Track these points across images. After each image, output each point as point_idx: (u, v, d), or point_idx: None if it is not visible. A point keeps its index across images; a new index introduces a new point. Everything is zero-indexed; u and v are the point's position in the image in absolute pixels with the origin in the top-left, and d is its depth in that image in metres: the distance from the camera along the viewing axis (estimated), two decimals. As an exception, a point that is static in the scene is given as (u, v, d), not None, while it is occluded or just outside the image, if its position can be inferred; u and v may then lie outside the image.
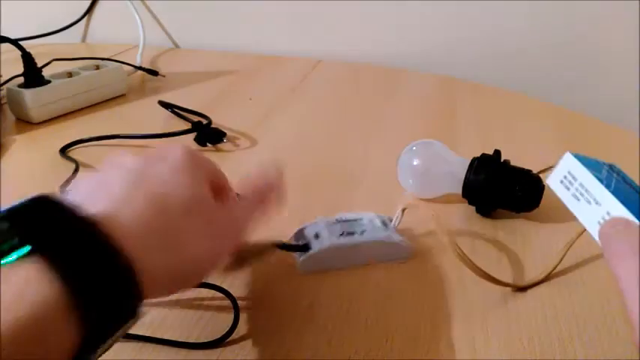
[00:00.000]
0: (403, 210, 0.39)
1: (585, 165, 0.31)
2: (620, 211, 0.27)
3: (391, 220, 0.39)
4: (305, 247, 0.37)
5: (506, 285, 0.36)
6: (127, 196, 0.25)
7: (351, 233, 0.38)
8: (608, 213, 0.28)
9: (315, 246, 0.37)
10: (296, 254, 0.37)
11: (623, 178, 0.31)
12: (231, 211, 0.30)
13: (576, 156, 0.32)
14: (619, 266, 0.23)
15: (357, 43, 0.89)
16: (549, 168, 0.45)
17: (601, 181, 0.29)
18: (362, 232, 0.38)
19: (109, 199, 0.24)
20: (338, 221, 0.38)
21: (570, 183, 0.31)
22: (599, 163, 0.32)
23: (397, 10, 0.84)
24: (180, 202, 0.26)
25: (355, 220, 0.39)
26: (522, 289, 0.36)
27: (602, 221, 0.28)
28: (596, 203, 0.29)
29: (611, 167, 0.32)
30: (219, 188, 0.30)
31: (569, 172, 0.32)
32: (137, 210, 0.24)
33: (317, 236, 0.37)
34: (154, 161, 0.27)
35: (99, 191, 0.25)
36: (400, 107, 0.70)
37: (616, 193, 0.28)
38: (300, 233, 0.39)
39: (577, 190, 0.31)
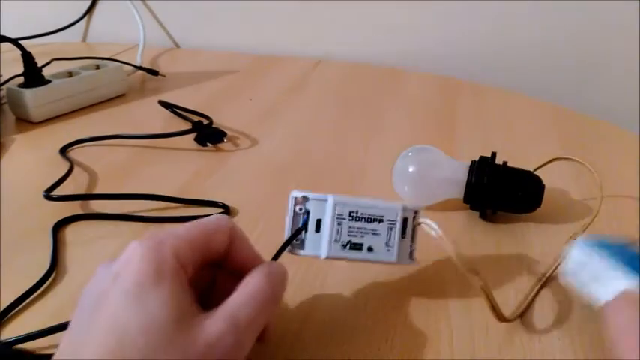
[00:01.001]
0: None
1: (597, 247, 0.32)
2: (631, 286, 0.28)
3: (416, 214, 0.33)
4: (299, 233, 0.32)
5: (511, 320, 0.33)
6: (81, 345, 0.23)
7: (358, 246, 0.32)
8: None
9: (310, 246, 0.32)
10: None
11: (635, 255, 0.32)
12: (214, 329, 0.23)
13: (586, 242, 0.33)
14: (621, 341, 0.24)
15: (357, 43, 0.89)
16: (544, 165, 0.45)
17: (613, 263, 0.31)
18: (370, 249, 0.32)
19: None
20: (352, 217, 0.32)
21: (581, 268, 0.32)
22: (612, 244, 0.33)
23: (397, 9, 0.84)
24: (135, 345, 0.22)
25: (372, 222, 0.32)
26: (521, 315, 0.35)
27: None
28: (606, 285, 0.30)
29: (624, 245, 0.33)
30: (217, 262, 0.28)
31: (580, 258, 0.33)
32: None
33: (318, 226, 0.32)
34: (109, 285, 0.24)
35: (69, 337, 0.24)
36: (400, 107, 0.70)
37: (626, 271, 0.30)
38: (303, 203, 0.32)
39: (589, 274, 0.32)
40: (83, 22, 0.99)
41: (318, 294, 0.36)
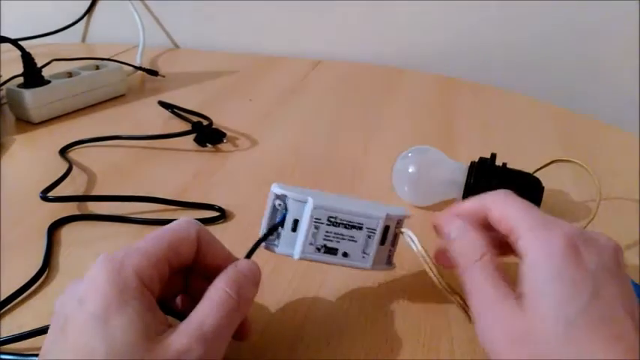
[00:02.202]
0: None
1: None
2: None
3: (399, 222, 0.33)
4: (275, 230, 0.31)
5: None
6: None
7: (333, 251, 0.31)
8: None
9: (284, 244, 0.31)
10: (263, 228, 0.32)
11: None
12: (182, 344, 0.23)
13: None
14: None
15: (357, 43, 0.89)
16: (544, 166, 0.44)
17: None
18: (345, 254, 0.31)
19: None
20: (330, 222, 0.30)
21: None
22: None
23: (397, 10, 0.84)
24: None
25: (350, 228, 0.31)
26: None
27: None
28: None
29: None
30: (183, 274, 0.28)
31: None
32: None
33: (295, 225, 0.31)
34: (75, 310, 0.24)
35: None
36: (400, 107, 0.70)
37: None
38: (281, 200, 0.31)
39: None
40: (83, 22, 0.99)
41: (317, 294, 0.36)
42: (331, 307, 0.35)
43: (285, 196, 0.30)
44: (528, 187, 0.42)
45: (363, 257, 0.31)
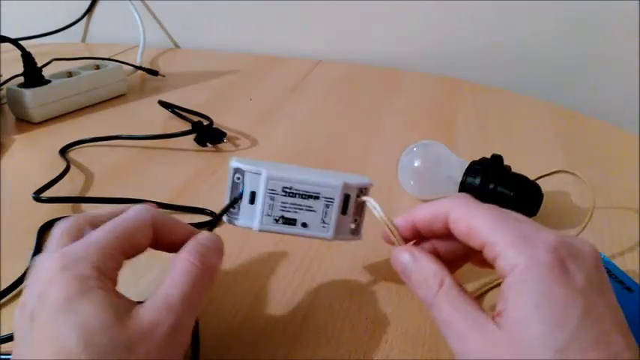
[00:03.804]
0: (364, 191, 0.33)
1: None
2: None
3: (361, 192, 0.32)
4: (235, 203, 0.31)
5: None
6: None
7: (291, 222, 0.31)
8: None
9: (244, 217, 0.32)
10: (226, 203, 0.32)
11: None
12: (151, 315, 0.24)
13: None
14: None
15: (357, 43, 0.89)
16: (549, 174, 0.44)
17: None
18: (304, 225, 0.31)
19: None
20: (285, 192, 0.31)
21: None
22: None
23: (397, 10, 0.84)
24: (79, 356, 0.22)
25: (307, 198, 0.31)
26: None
27: None
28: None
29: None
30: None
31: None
32: None
33: (253, 198, 0.31)
34: (36, 307, 0.23)
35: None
36: (400, 107, 0.70)
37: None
38: (239, 173, 0.31)
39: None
40: (83, 22, 0.99)
41: (317, 294, 0.36)
42: (331, 307, 0.35)
43: (243, 169, 0.31)
44: (526, 193, 0.41)
45: (323, 227, 0.31)
